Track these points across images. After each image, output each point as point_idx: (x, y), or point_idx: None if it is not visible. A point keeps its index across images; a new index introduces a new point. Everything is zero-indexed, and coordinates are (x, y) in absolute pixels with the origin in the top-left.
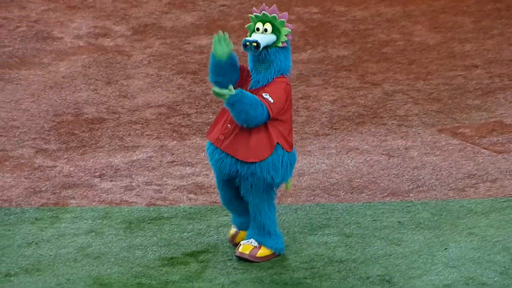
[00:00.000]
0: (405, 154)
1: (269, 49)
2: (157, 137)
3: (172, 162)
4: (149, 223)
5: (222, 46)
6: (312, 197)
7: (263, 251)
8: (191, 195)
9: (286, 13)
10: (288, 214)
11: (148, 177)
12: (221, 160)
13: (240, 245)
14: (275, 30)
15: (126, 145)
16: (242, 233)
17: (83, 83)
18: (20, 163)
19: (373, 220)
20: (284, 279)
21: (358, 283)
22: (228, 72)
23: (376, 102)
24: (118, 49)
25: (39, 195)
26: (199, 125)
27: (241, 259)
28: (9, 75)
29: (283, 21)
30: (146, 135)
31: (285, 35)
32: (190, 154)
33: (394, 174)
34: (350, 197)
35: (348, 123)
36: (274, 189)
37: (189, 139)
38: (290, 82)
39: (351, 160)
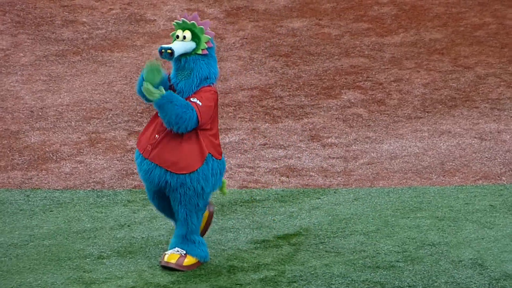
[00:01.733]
0: (497, 137)
1: (188, 57)
2: (249, 120)
3: (265, 144)
4: (241, 205)
5: (153, 74)
6: (404, 180)
7: (189, 260)
8: (283, 178)
9: (207, 21)
10: (380, 197)
11: (241, 159)
12: (150, 171)
13: (166, 254)
14: (195, 37)
15: (219, 127)
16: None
17: None
18: (112, 145)
19: (465, 203)
20: (376, 262)
21: (450, 267)
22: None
23: (468, 86)
24: None
25: (131, 177)
26: (292, 108)
27: (167, 268)
28: (102, 57)
29: (202, 28)
30: (239, 117)
31: (205, 43)
32: (283, 137)
33: (486, 157)
34: (442, 180)
35: (440, 106)
36: (204, 198)
37: (282, 121)
38: (216, 91)
39: (443, 143)
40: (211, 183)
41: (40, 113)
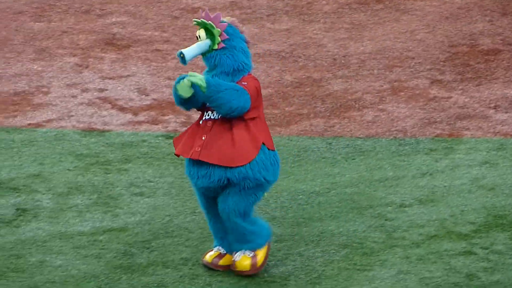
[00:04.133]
0: None
1: (207, 54)
2: None
3: None
4: None
5: (186, 90)
6: None
7: (260, 255)
8: None
9: (218, 13)
10: None
11: None
12: (208, 174)
13: (234, 262)
14: (209, 34)
15: None
16: (229, 256)
17: (479, 14)
18: (415, 94)
19: None
20: None
21: None
22: (194, 100)
23: None
24: None
25: (433, 126)
26: None
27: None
28: (405, 5)
29: (211, 24)
30: None
31: (219, 36)
32: None
33: None
34: None
35: None
36: (266, 189)
37: None
38: (256, 78)
39: None
40: (271, 173)
41: (342, 61)
